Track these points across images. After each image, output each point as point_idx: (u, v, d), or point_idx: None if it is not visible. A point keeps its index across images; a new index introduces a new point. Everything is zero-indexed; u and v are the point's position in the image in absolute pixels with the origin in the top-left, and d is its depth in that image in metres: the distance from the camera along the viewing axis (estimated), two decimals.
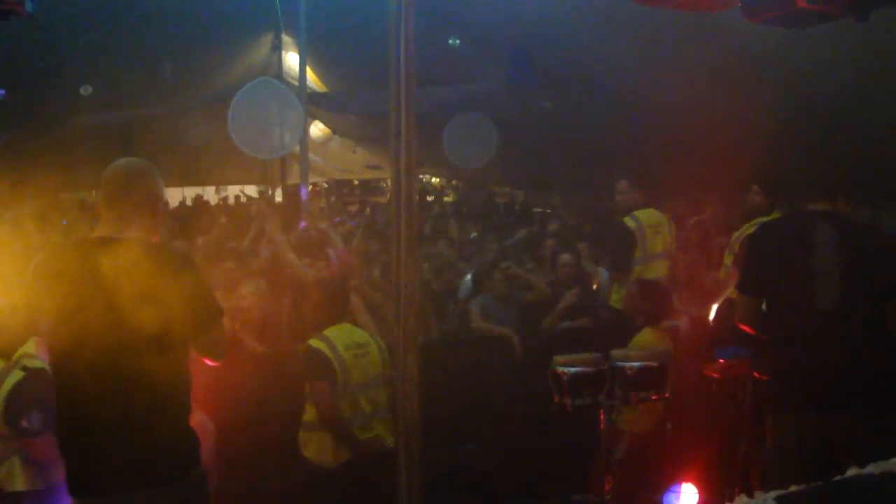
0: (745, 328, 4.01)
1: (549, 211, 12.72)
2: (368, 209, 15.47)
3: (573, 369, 3.79)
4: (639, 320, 5.32)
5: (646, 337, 5.17)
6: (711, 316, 5.45)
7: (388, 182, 21.03)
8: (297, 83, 11.97)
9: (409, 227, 4.26)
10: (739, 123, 6.68)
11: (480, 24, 8.69)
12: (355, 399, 4.77)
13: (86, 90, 8.52)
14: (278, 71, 12.69)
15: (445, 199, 19.44)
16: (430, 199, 19.93)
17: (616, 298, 6.24)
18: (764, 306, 3.96)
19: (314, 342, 4.80)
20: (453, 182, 20.48)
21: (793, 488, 2.76)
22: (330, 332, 4.85)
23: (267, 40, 12.37)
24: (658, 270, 5.99)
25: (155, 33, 9.11)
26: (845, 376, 3.66)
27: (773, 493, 2.64)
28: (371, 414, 4.84)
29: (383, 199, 19.28)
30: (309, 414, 4.80)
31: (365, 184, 22.83)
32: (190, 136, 11.79)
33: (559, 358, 3.87)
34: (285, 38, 12.67)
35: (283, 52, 13.06)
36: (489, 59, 9.30)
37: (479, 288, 6.77)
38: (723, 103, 6.97)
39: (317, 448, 4.79)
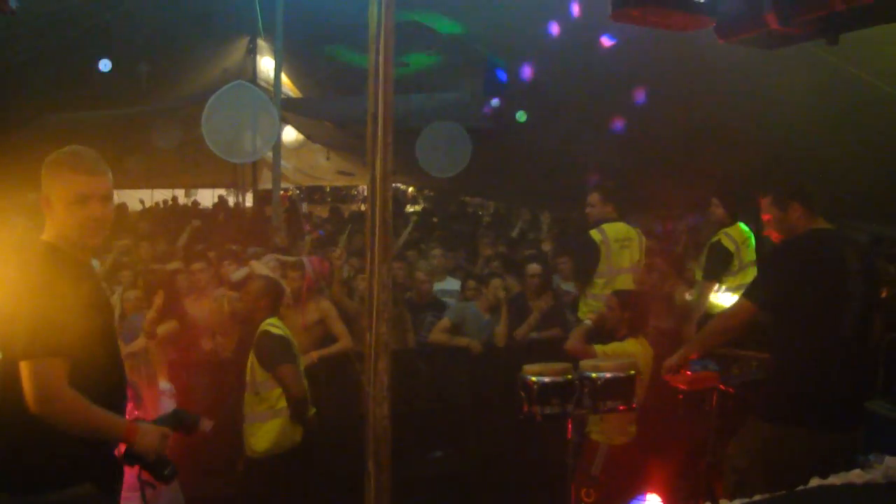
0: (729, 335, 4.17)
1: (520, 224, 12.78)
2: (347, 215, 15.44)
3: (543, 379, 3.82)
4: (621, 332, 5.34)
5: (629, 347, 5.21)
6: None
7: (359, 189, 21.08)
8: (271, 88, 11.98)
9: (384, 235, 4.30)
10: (712, 137, 6.79)
11: (455, 35, 8.74)
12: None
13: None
14: (253, 75, 12.70)
15: (414, 207, 19.47)
16: (411, 209, 19.97)
17: (584, 311, 6.28)
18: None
19: (272, 328, 4.91)
20: (425, 191, 20.53)
21: (756, 497, 2.83)
22: (274, 320, 5.01)
23: (242, 44, 12.37)
24: (624, 284, 6.03)
25: (130, 34, 9.05)
26: (855, 399, 3.91)
27: (737, 502, 2.71)
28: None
29: (354, 207, 19.25)
30: (263, 404, 4.86)
31: (336, 191, 22.80)
32: (162, 138, 11.72)
33: (529, 367, 3.91)
34: (261, 43, 12.68)
35: (259, 57, 13.06)
36: (464, 69, 9.37)
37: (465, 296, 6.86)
38: (696, 117, 7.09)
39: (276, 436, 4.86)
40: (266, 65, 13.04)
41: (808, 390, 3.85)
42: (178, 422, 3.14)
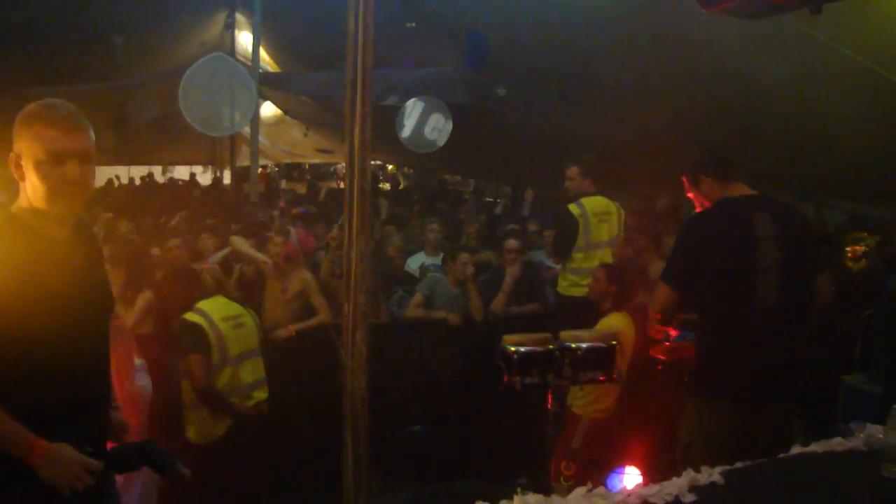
0: (657, 317, 4.08)
1: (499, 200, 12.76)
2: (324, 192, 15.36)
3: (522, 348, 3.78)
4: (606, 304, 5.34)
5: (613, 321, 5.20)
6: None
7: (338, 167, 20.95)
8: (249, 63, 11.85)
9: (362, 208, 4.27)
10: (690, 117, 6.77)
11: (438, 8, 8.66)
12: (235, 370, 4.84)
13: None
14: (231, 50, 12.52)
15: (384, 185, 19.40)
16: (383, 185, 19.90)
17: (563, 285, 6.28)
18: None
19: (189, 315, 4.82)
20: (405, 169, 20.45)
21: (738, 465, 2.83)
22: (204, 304, 4.89)
23: (220, 18, 12.20)
24: (603, 258, 6.02)
25: (105, 6, 8.89)
26: (782, 371, 3.72)
27: (718, 469, 2.70)
28: (252, 384, 4.94)
29: (333, 184, 19.14)
30: (187, 392, 4.82)
31: (315, 168, 22.64)
32: (138, 113, 11.57)
33: (508, 337, 3.86)
34: (239, 17, 12.52)
35: (237, 31, 12.90)
36: (446, 43, 9.27)
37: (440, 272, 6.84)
38: (673, 96, 7.07)
39: (197, 426, 4.83)
40: (245, 39, 12.88)
41: (725, 363, 3.78)
42: (142, 457, 2.61)
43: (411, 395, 5.68)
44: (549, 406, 4.04)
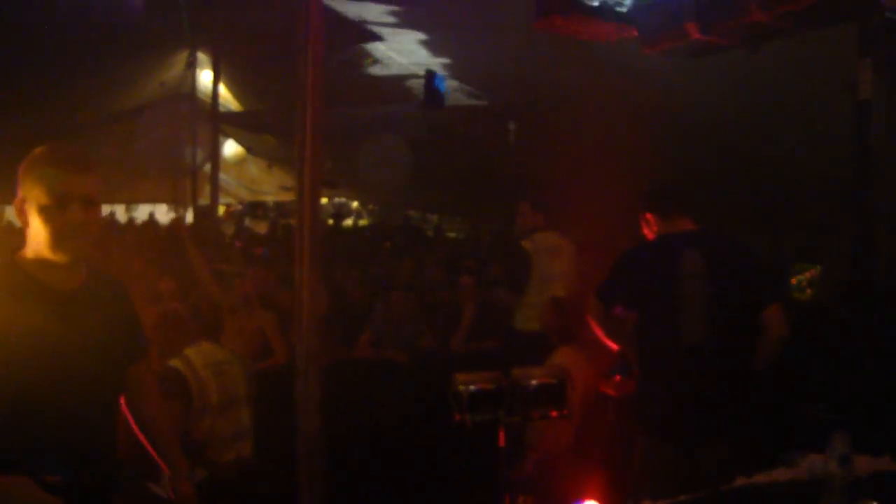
0: (593, 322, 4.13)
1: (458, 236, 12.85)
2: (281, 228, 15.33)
3: (472, 387, 3.80)
4: (554, 339, 5.38)
5: (562, 356, 5.24)
6: None
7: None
8: (211, 101, 11.90)
9: (312, 246, 4.30)
10: (641, 153, 6.87)
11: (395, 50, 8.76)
12: (214, 420, 4.66)
13: None
14: (192, 89, 12.55)
15: (361, 222, 19.44)
16: (347, 222, 19.90)
17: (519, 319, 6.33)
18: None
19: (173, 361, 4.69)
20: (370, 206, 20.49)
21: (682, 498, 2.86)
22: (190, 350, 4.76)
23: (181, 57, 12.21)
24: (555, 292, 6.08)
25: (63, 43, 8.87)
26: (714, 409, 3.69)
27: (662, 502, 2.73)
28: (233, 435, 4.75)
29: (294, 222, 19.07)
30: None
31: (280, 205, 22.58)
32: (99, 153, 11.50)
33: (459, 376, 3.87)
34: (201, 56, 12.55)
35: (199, 70, 12.91)
36: (402, 83, 9.38)
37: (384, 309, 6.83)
38: (626, 132, 7.17)
39: None
40: (207, 78, 12.90)
41: (654, 401, 3.82)
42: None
43: (366, 434, 5.66)
44: (500, 443, 4.07)
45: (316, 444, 4.18)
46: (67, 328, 2.43)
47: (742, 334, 3.76)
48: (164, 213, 17.48)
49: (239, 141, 14.61)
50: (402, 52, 8.59)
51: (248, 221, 18.55)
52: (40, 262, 2.44)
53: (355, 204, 21.91)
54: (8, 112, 8.73)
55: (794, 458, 3.01)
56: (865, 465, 2.98)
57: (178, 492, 2.80)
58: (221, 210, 19.21)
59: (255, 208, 22.52)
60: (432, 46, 8.33)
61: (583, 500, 4.68)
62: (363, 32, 8.05)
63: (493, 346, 6.66)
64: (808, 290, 6.09)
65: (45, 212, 2.38)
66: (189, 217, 15.50)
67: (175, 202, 17.08)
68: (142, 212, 18.13)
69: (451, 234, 15.18)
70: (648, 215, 4.09)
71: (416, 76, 9.03)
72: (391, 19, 7.75)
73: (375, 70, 9.23)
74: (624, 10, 3.61)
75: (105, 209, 16.21)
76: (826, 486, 2.61)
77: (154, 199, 17.37)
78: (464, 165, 11.36)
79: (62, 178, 2.37)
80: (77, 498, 2.36)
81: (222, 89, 13.60)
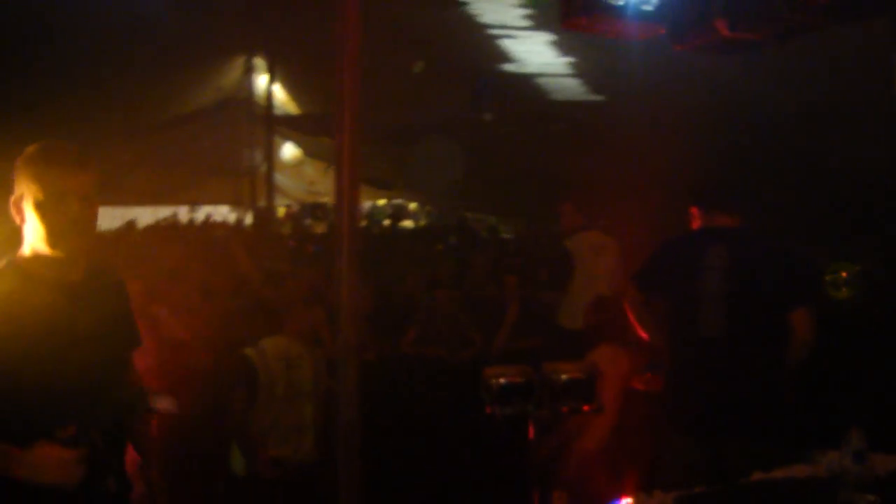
0: (628, 308, 4.16)
1: (510, 237, 12.92)
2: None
3: (502, 380, 3.88)
4: (594, 336, 5.42)
5: (601, 353, 5.27)
6: None
7: (362, 206, 21.15)
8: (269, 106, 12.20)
9: (351, 244, 4.41)
10: (693, 153, 6.85)
11: (444, 50, 8.87)
12: (277, 412, 4.80)
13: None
14: (250, 93, 12.86)
15: (420, 223, 19.56)
16: (406, 223, 20.04)
17: (563, 317, 6.37)
18: None
19: (247, 350, 4.86)
20: (427, 208, 20.60)
21: (696, 489, 2.89)
22: (267, 341, 4.91)
23: (239, 63, 12.51)
24: (598, 291, 6.09)
25: (126, 50, 9.20)
26: (733, 405, 3.72)
27: (672, 494, 2.76)
28: (293, 428, 4.86)
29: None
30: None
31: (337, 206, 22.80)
32: (160, 155, 11.89)
33: (490, 369, 3.97)
34: (258, 61, 12.84)
35: (256, 75, 13.22)
36: (454, 84, 9.48)
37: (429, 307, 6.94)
38: (680, 134, 7.16)
39: (236, 458, 4.85)
40: (264, 82, 13.19)
41: (678, 396, 3.89)
42: None
43: (406, 428, 5.76)
44: (530, 436, 4.13)
45: (353, 435, 4.28)
46: (70, 321, 2.45)
47: (766, 332, 3.77)
48: (224, 215, 17.84)
49: (297, 143, 14.88)
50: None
51: (309, 222, 18.83)
52: (39, 259, 2.46)
53: (413, 205, 22.08)
54: (71, 116, 9.05)
55: (814, 455, 3.01)
56: (885, 463, 2.97)
57: (145, 477, 2.85)
58: (281, 212, 19.53)
59: (314, 209, 22.80)
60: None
61: (620, 498, 4.73)
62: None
63: (537, 344, 6.70)
64: (844, 290, 6.00)
65: (42, 208, 2.39)
66: (249, 219, 15.83)
67: (236, 204, 17.47)
68: (203, 214, 18.48)
69: (507, 236, 15.20)
70: (692, 209, 4.13)
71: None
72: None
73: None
74: (651, 8, 3.63)
75: (168, 210, 16.71)
76: (840, 481, 2.61)
77: (216, 201, 17.76)
78: (519, 166, 11.44)
79: (59, 175, 2.39)
80: (91, 453, 2.39)
81: (280, 93, 13.90)
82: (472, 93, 9.02)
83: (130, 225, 14.10)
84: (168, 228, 14.06)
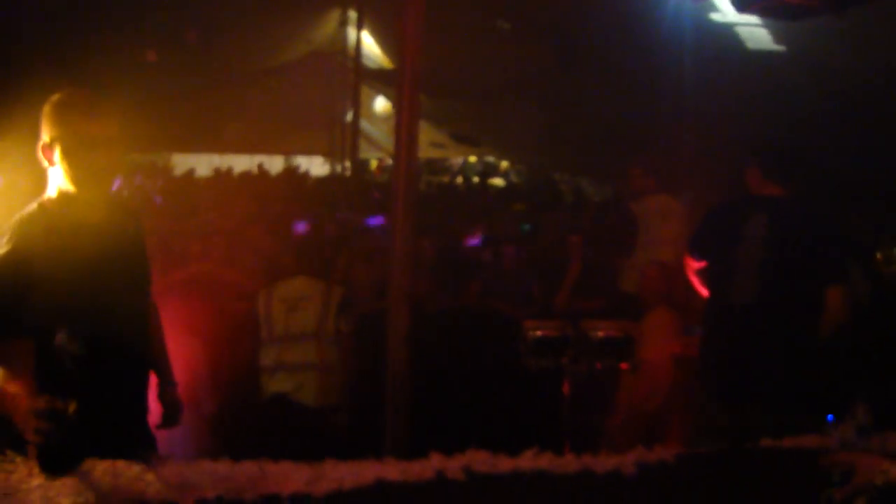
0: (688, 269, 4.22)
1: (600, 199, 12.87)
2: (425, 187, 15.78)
3: (538, 332, 4.00)
4: (650, 301, 5.48)
5: (655, 317, 5.34)
6: None
7: (453, 162, 21.33)
8: (363, 60, 12.40)
9: (407, 191, 4.56)
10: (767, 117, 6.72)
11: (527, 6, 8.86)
12: (279, 351, 5.03)
13: (149, 55, 8.95)
14: (344, 46, 13.08)
15: (495, 181, 19.59)
16: (496, 181, 20.11)
17: (625, 281, 6.38)
18: None
19: (261, 291, 5.17)
20: (518, 166, 20.60)
21: (702, 450, 2.94)
22: (281, 283, 5.19)
23: (333, 16, 12.72)
24: (664, 256, 6.08)
25: (221, 4, 9.52)
26: (762, 372, 3.73)
27: (674, 450, 2.83)
28: (297, 366, 5.06)
29: (445, 179, 19.52)
30: None
31: (431, 162, 23.05)
32: (255, 105, 12.25)
33: (528, 322, 4.09)
34: (352, 15, 13.03)
35: (351, 28, 13.42)
36: (537, 41, 9.46)
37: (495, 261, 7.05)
38: (753, 98, 7.03)
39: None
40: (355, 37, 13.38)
41: (710, 361, 3.92)
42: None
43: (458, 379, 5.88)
44: (565, 391, 4.24)
45: (403, 378, 4.44)
46: (96, 258, 2.60)
47: (798, 304, 3.76)
48: (319, 165, 18.27)
49: (388, 97, 15.07)
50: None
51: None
52: (65, 199, 2.62)
53: (504, 164, 22.10)
54: (170, 67, 9.45)
55: (827, 427, 3.01)
56: None
57: (165, 398, 3.05)
58: (374, 164, 19.87)
59: None
60: None
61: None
62: None
63: (598, 305, 6.73)
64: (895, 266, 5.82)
65: (72, 154, 2.56)
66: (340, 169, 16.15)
67: (330, 155, 17.87)
68: (301, 162, 18.95)
69: (598, 199, 15.11)
70: (750, 169, 4.13)
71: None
72: None
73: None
74: None
75: (256, 160, 17.21)
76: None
77: (310, 152, 18.19)
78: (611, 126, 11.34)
79: (88, 122, 2.55)
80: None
81: (376, 47, 14.08)
82: (559, 51, 8.96)
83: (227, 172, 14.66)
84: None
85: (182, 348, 4.70)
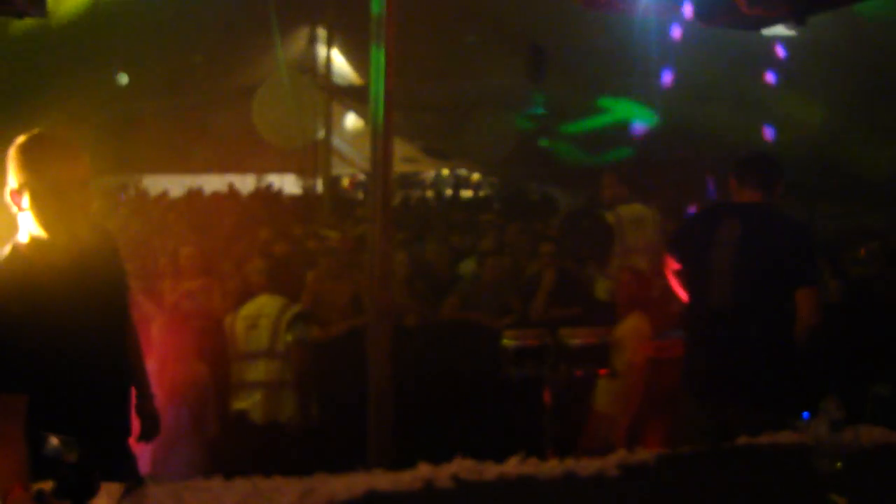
0: (667, 272, 4.31)
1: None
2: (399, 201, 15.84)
3: (517, 342, 4.06)
4: (624, 307, 5.55)
5: (631, 323, 5.41)
6: None
7: (425, 175, 21.45)
8: (332, 76, 12.45)
9: (385, 204, 4.61)
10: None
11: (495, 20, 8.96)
12: (239, 368, 5.20)
13: (121, 78, 8.95)
14: (313, 63, 13.13)
15: (481, 193, 19.76)
16: (466, 194, 20.26)
17: (600, 289, 6.47)
18: None
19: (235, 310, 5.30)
20: (490, 178, 20.76)
21: (681, 449, 3.02)
22: (250, 302, 5.32)
23: (303, 34, 12.77)
24: (637, 264, 6.17)
25: (189, 24, 9.51)
26: (739, 373, 3.80)
27: (652, 452, 2.90)
28: (249, 383, 5.20)
29: (417, 193, 19.60)
30: None
31: (403, 177, 23.15)
32: (224, 125, 12.26)
33: (507, 332, 4.15)
34: (321, 32, 13.09)
35: (321, 46, 13.48)
36: (505, 54, 9.57)
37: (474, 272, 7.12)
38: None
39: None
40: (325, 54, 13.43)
41: (690, 363, 4.04)
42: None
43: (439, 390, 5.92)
44: (545, 400, 4.30)
45: (384, 399, 4.48)
46: (73, 298, 2.59)
47: (772, 308, 3.83)
48: (292, 183, 18.25)
49: (359, 114, 15.16)
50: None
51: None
52: (36, 244, 2.58)
53: (476, 176, 22.24)
54: (141, 91, 9.43)
55: (801, 423, 3.09)
56: (874, 436, 3.05)
57: (143, 411, 3.09)
58: (345, 181, 19.92)
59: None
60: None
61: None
62: None
63: (575, 313, 6.81)
64: (867, 266, 5.96)
65: (41, 200, 2.51)
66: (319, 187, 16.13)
67: (303, 172, 17.86)
68: (273, 180, 18.87)
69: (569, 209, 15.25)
70: (730, 177, 4.22)
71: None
72: None
73: None
74: None
75: (227, 179, 17.15)
76: (815, 450, 2.66)
77: (283, 169, 18.18)
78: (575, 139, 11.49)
79: (59, 165, 2.52)
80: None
81: (345, 64, 14.15)
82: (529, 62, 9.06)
83: (197, 192, 14.61)
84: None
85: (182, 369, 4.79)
